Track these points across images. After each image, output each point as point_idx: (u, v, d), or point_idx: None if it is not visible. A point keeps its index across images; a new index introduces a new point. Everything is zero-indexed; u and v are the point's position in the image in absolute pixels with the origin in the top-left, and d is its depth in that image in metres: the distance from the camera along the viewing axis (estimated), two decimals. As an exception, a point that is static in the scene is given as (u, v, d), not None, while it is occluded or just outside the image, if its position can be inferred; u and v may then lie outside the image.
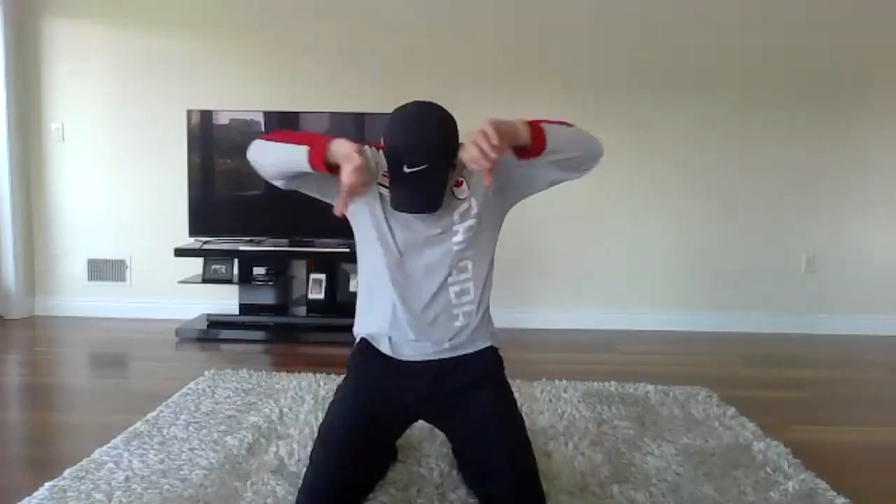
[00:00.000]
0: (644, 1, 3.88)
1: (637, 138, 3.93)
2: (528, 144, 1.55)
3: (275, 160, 1.72)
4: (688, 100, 3.91)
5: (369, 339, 1.78)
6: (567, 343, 3.70)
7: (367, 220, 1.72)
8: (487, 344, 1.80)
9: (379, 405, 1.73)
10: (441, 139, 1.58)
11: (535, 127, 1.57)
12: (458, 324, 1.73)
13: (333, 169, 1.58)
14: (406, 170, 1.56)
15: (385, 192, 1.68)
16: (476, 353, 1.77)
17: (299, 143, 1.64)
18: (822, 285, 4.00)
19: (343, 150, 1.54)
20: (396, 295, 1.71)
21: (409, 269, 1.71)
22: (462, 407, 1.72)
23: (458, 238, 1.70)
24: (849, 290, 3.99)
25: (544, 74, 3.90)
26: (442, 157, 1.58)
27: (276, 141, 1.73)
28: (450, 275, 1.71)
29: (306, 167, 1.61)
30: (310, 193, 1.77)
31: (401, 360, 1.74)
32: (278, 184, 1.76)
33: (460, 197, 1.70)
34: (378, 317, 1.75)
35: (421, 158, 1.55)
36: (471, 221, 1.70)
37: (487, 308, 1.80)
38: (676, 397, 2.69)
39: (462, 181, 1.70)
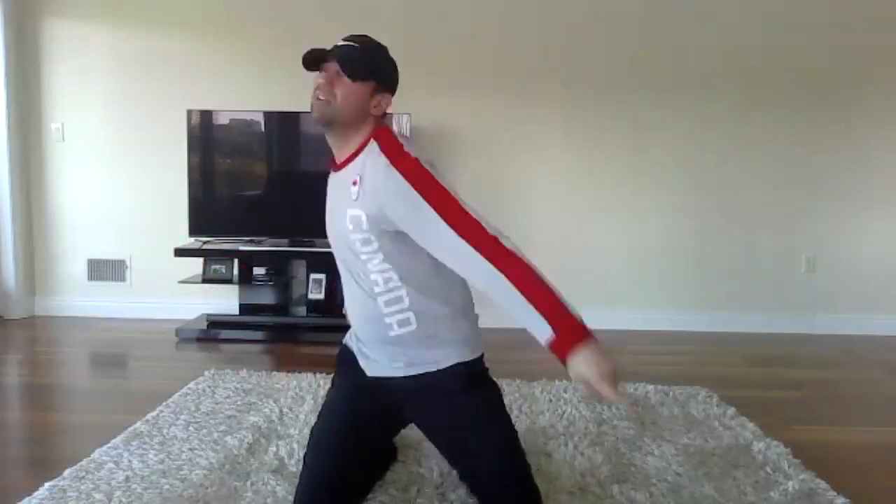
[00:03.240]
0: (644, 1, 3.88)
1: (637, 138, 3.93)
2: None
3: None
4: (688, 100, 3.91)
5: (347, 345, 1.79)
6: (567, 343, 3.70)
7: None
8: (452, 361, 1.62)
9: (363, 406, 1.73)
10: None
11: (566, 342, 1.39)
12: (392, 333, 1.61)
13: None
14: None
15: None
16: (439, 371, 1.62)
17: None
18: (822, 285, 4.00)
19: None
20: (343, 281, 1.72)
21: (335, 250, 1.71)
22: (442, 418, 1.67)
23: (349, 226, 1.57)
24: (849, 290, 3.99)
25: (544, 74, 3.90)
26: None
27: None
28: (359, 276, 1.62)
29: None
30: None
31: (368, 375, 1.71)
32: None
33: (354, 197, 1.57)
34: (350, 314, 1.77)
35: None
36: (355, 211, 1.56)
37: (439, 318, 1.63)
38: (676, 397, 2.69)
39: (357, 182, 1.56)
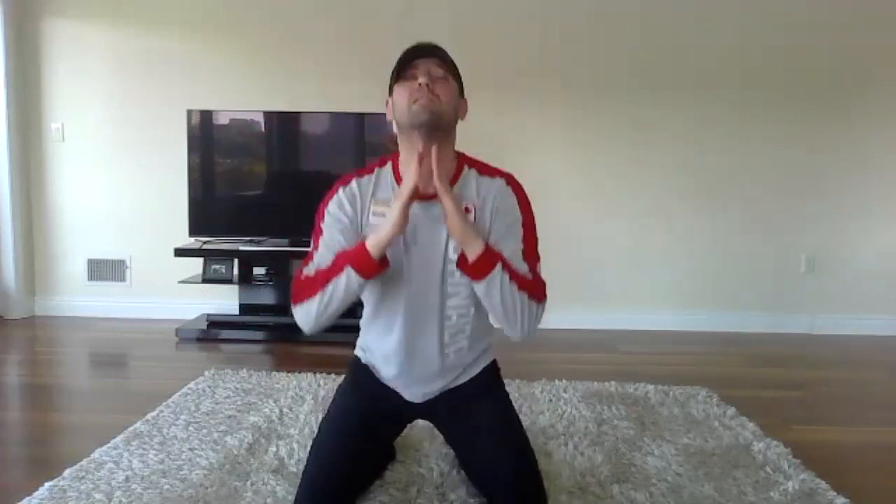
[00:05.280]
0: (644, 1, 3.88)
1: (637, 138, 3.93)
2: (471, 262, 1.49)
3: (334, 306, 1.53)
4: (688, 100, 3.91)
5: (369, 367, 1.75)
6: (567, 343, 3.70)
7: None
8: (484, 364, 1.74)
9: (373, 411, 1.74)
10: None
11: (487, 259, 1.48)
12: (447, 363, 1.65)
13: (384, 261, 1.51)
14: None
15: (380, 219, 1.53)
16: (471, 379, 1.71)
17: (338, 272, 1.51)
18: (822, 285, 4.00)
19: (383, 231, 1.46)
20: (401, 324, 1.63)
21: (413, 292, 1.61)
22: (461, 419, 1.71)
23: (451, 255, 1.56)
24: (849, 290, 3.99)
25: (544, 74, 3.90)
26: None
27: (314, 291, 1.54)
28: (447, 297, 1.60)
29: (363, 281, 1.50)
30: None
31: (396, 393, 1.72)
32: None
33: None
34: (378, 344, 1.70)
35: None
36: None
37: (484, 338, 1.72)
38: (676, 397, 2.69)
39: (470, 208, 1.57)
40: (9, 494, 1.82)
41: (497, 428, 1.67)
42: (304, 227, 3.67)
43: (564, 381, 2.83)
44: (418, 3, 3.90)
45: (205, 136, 3.76)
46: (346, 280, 1.50)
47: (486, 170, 1.64)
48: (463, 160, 1.65)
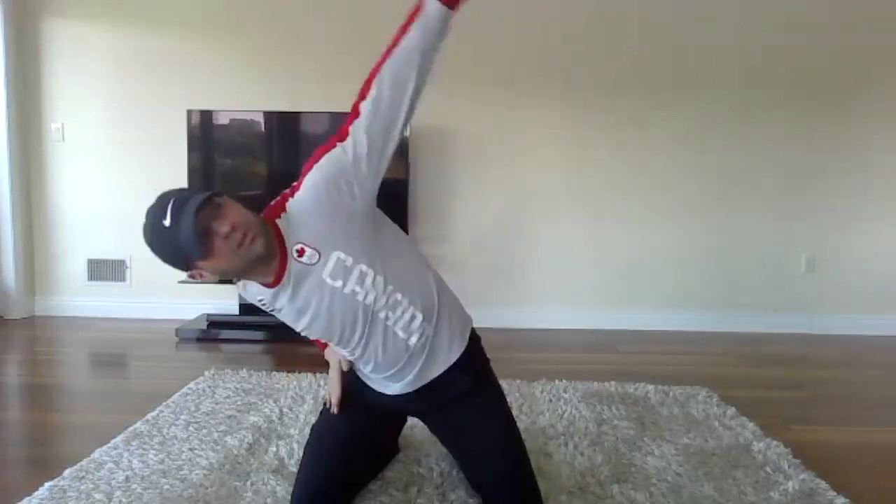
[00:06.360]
0: (644, 1, 3.88)
1: (637, 138, 3.93)
2: None
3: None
4: (688, 100, 3.91)
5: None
6: (567, 343, 3.70)
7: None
8: (461, 349, 1.64)
9: (364, 409, 1.75)
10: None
11: None
12: (412, 342, 1.58)
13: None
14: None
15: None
16: (449, 369, 1.63)
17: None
18: (822, 285, 4.00)
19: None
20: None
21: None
22: (450, 418, 1.71)
23: (361, 295, 1.48)
24: (849, 290, 3.99)
25: (545, 74, 3.90)
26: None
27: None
28: (387, 320, 1.54)
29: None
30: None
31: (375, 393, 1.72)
32: None
33: (312, 262, 1.45)
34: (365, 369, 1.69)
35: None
36: (360, 268, 1.47)
37: (448, 308, 1.63)
38: (676, 397, 2.69)
39: (303, 247, 1.45)
40: (9, 494, 1.82)
41: (489, 427, 1.67)
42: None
43: (564, 381, 2.83)
44: (418, 3, 3.89)
45: (205, 136, 3.76)
46: None
47: (277, 208, 1.49)
48: (272, 225, 1.46)
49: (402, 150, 3.69)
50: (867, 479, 2.07)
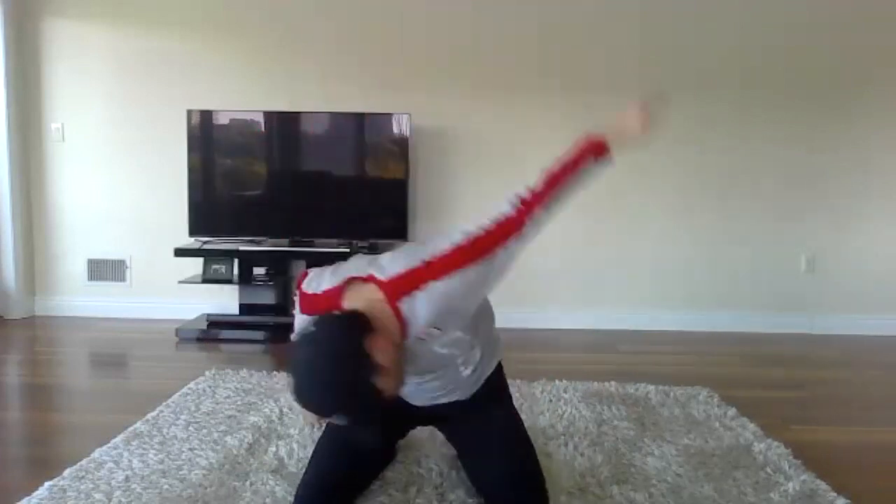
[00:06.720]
0: (644, 1, 3.88)
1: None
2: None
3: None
4: (688, 100, 3.91)
5: None
6: (568, 343, 3.70)
7: None
8: (492, 370, 1.77)
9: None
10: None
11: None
12: (464, 374, 1.68)
13: None
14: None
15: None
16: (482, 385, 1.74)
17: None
18: (822, 285, 3.99)
19: None
20: None
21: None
22: (466, 422, 1.73)
23: (451, 352, 1.60)
24: (849, 290, 3.99)
25: (545, 74, 3.90)
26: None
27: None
28: (460, 365, 1.66)
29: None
30: None
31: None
32: None
33: (432, 336, 1.51)
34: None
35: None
36: (458, 334, 1.58)
37: (496, 341, 1.80)
38: (677, 398, 2.69)
39: (431, 330, 1.47)
40: (9, 494, 1.82)
41: (501, 432, 1.70)
42: (303, 226, 3.71)
43: (564, 381, 2.83)
44: (418, 4, 3.89)
45: (205, 136, 3.76)
46: None
47: (396, 291, 1.41)
48: (395, 310, 1.39)
49: (402, 151, 3.70)
50: (867, 479, 2.07)
